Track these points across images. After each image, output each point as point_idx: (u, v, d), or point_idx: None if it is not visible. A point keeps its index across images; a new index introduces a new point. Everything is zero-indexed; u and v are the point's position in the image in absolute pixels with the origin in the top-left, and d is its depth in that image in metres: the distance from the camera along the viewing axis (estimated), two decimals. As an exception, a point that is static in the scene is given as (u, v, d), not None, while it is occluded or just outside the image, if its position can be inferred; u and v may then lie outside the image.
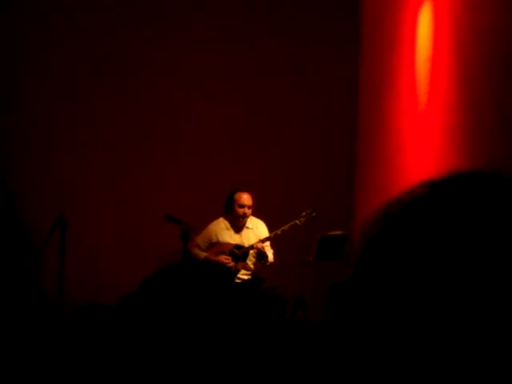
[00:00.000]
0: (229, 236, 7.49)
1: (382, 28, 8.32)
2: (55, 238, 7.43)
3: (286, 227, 7.51)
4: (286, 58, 9.47)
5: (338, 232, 7.68)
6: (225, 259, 7.35)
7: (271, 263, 7.51)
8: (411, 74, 7.71)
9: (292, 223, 7.56)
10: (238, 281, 7.40)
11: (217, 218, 7.58)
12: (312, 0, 9.46)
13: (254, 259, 7.53)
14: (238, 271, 7.38)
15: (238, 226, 7.49)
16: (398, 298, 0.80)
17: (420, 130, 7.49)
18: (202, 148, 9.35)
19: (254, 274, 7.49)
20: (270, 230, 7.58)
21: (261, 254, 7.38)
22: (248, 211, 7.41)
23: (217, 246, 7.47)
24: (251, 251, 7.47)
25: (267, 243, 7.54)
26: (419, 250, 0.81)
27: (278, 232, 7.49)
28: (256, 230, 7.51)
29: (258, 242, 7.39)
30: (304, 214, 7.67)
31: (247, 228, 7.53)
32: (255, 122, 9.42)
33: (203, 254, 7.41)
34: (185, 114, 9.37)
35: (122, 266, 8.73)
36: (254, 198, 7.51)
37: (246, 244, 7.47)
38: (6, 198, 1.14)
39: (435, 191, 0.84)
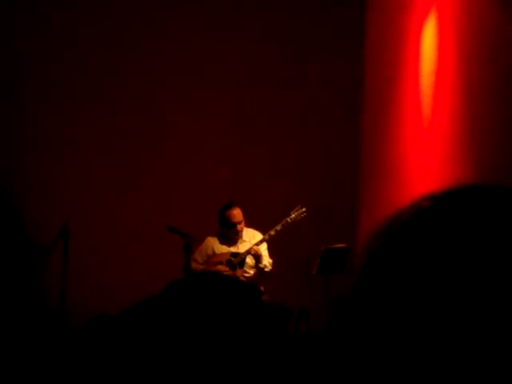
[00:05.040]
0: (225, 249, 7.54)
1: (386, 41, 8.33)
2: (59, 249, 7.44)
3: (278, 227, 7.54)
4: (288, 67, 9.46)
5: (342, 245, 7.68)
6: (222, 268, 7.39)
7: (269, 271, 7.51)
8: (415, 86, 7.71)
9: (283, 222, 7.60)
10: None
11: (216, 231, 7.60)
12: (316, 11, 9.47)
13: (254, 270, 7.55)
14: (237, 279, 7.40)
15: (233, 240, 7.54)
16: (400, 311, 0.80)
17: (424, 142, 7.49)
18: (204, 158, 9.34)
19: (253, 281, 7.50)
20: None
21: (256, 258, 7.42)
22: (240, 226, 7.46)
23: (214, 257, 7.51)
24: (249, 259, 7.49)
25: (265, 252, 7.55)
26: (422, 264, 0.81)
27: (272, 232, 7.52)
28: (253, 241, 7.54)
29: (253, 246, 7.43)
30: (293, 211, 7.72)
31: (244, 241, 7.56)
32: (257, 133, 9.41)
33: (201, 267, 7.45)
34: (186, 125, 9.36)
35: (125, 276, 8.72)
36: (258, 211, 7.53)
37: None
38: (13, 211, 1.15)
39: (438, 205, 0.84)
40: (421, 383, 0.79)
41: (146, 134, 9.32)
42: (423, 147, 7.49)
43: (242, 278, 7.45)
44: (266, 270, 7.49)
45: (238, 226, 7.44)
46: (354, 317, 0.84)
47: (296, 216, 7.72)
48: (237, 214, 7.45)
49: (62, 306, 7.32)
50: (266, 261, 7.50)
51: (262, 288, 7.44)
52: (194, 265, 7.48)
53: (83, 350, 1.41)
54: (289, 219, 7.66)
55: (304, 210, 7.76)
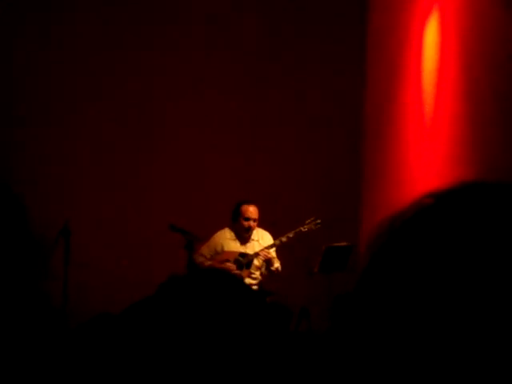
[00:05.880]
0: (234, 247, 7.51)
1: (389, 40, 8.33)
2: (60, 247, 7.45)
3: (290, 234, 7.53)
4: (291, 71, 9.47)
5: (344, 243, 7.68)
6: (229, 267, 7.37)
7: (279, 272, 7.51)
8: (417, 85, 7.71)
9: (297, 230, 7.58)
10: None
11: (221, 227, 7.58)
12: (317, 11, 9.47)
13: (259, 271, 7.54)
14: (242, 279, 7.39)
15: (243, 237, 7.51)
16: (403, 310, 0.80)
17: (426, 141, 7.50)
18: (206, 157, 9.36)
19: (261, 284, 7.50)
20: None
21: (267, 261, 7.40)
22: (253, 224, 7.43)
23: (221, 255, 7.50)
24: (256, 261, 7.48)
25: (274, 254, 7.54)
26: (425, 262, 0.80)
27: (283, 239, 7.50)
28: (262, 242, 7.53)
29: (262, 249, 7.41)
30: (308, 221, 7.69)
31: (253, 240, 7.54)
32: (260, 133, 9.42)
33: (208, 263, 7.43)
34: (187, 125, 9.38)
35: (126, 275, 8.73)
36: (261, 210, 7.52)
37: None
38: (21, 212, 1.15)
39: (441, 202, 0.84)
40: (422, 382, 0.79)
41: (147, 132, 9.34)
42: (425, 146, 7.49)
43: (248, 279, 7.45)
44: (277, 273, 7.50)
45: (251, 223, 7.41)
46: (357, 315, 0.84)
47: (310, 226, 7.69)
48: (253, 210, 7.44)
49: (63, 305, 7.33)
50: (277, 263, 7.50)
51: (270, 289, 7.44)
52: (200, 259, 7.46)
53: (82, 348, 1.41)
54: (302, 228, 7.64)
55: (319, 221, 7.72)
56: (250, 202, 7.47)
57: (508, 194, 0.83)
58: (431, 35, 7.49)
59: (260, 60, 9.45)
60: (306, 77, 9.46)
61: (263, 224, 7.62)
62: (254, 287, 7.49)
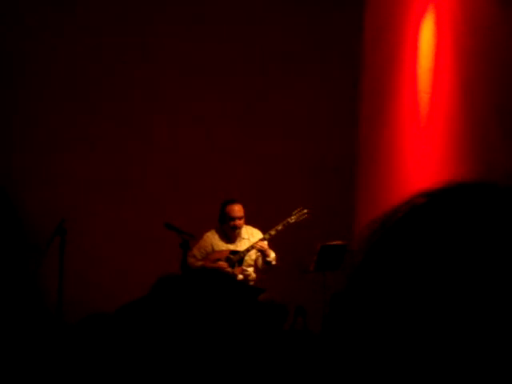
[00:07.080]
0: (224, 246, 7.54)
1: (384, 39, 8.34)
2: (55, 246, 7.45)
3: (279, 226, 7.54)
4: (286, 67, 9.47)
5: (339, 242, 7.70)
6: (221, 265, 7.39)
7: (277, 263, 7.52)
8: (413, 84, 7.72)
9: (284, 222, 7.60)
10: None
11: (216, 226, 7.60)
12: (314, 8, 9.48)
13: (252, 268, 7.55)
14: (235, 276, 7.41)
15: (232, 237, 7.53)
16: (396, 309, 0.80)
17: (421, 140, 7.50)
18: (203, 156, 9.35)
19: (256, 282, 7.51)
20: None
21: (262, 252, 7.41)
22: (240, 222, 7.45)
23: (212, 254, 7.51)
24: (248, 257, 7.50)
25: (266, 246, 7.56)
26: (417, 261, 0.80)
27: (272, 232, 7.51)
28: (252, 239, 7.54)
29: (257, 242, 7.43)
30: (295, 212, 7.72)
31: (243, 238, 7.56)
32: (255, 131, 9.43)
33: (199, 263, 7.45)
34: (184, 123, 9.38)
35: (121, 274, 8.73)
36: (256, 208, 7.53)
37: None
38: (11, 208, 1.15)
39: (433, 201, 0.83)
40: (418, 380, 0.79)
41: (143, 132, 9.34)
42: (421, 145, 7.50)
43: (241, 276, 7.46)
44: (274, 263, 7.50)
45: (237, 222, 7.43)
46: (350, 314, 0.84)
47: (298, 217, 7.71)
48: (238, 209, 7.46)
49: (59, 304, 7.32)
50: (273, 254, 7.51)
51: (265, 287, 7.45)
52: (191, 260, 7.48)
53: (76, 347, 1.41)
54: (290, 220, 7.66)
55: (306, 211, 7.75)
56: (233, 202, 7.50)
57: (501, 194, 0.83)
58: (427, 33, 7.49)
59: (258, 59, 9.46)
60: (302, 75, 9.46)
61: (258, 222, 7.62)
62: (251, 283, 7.51)
